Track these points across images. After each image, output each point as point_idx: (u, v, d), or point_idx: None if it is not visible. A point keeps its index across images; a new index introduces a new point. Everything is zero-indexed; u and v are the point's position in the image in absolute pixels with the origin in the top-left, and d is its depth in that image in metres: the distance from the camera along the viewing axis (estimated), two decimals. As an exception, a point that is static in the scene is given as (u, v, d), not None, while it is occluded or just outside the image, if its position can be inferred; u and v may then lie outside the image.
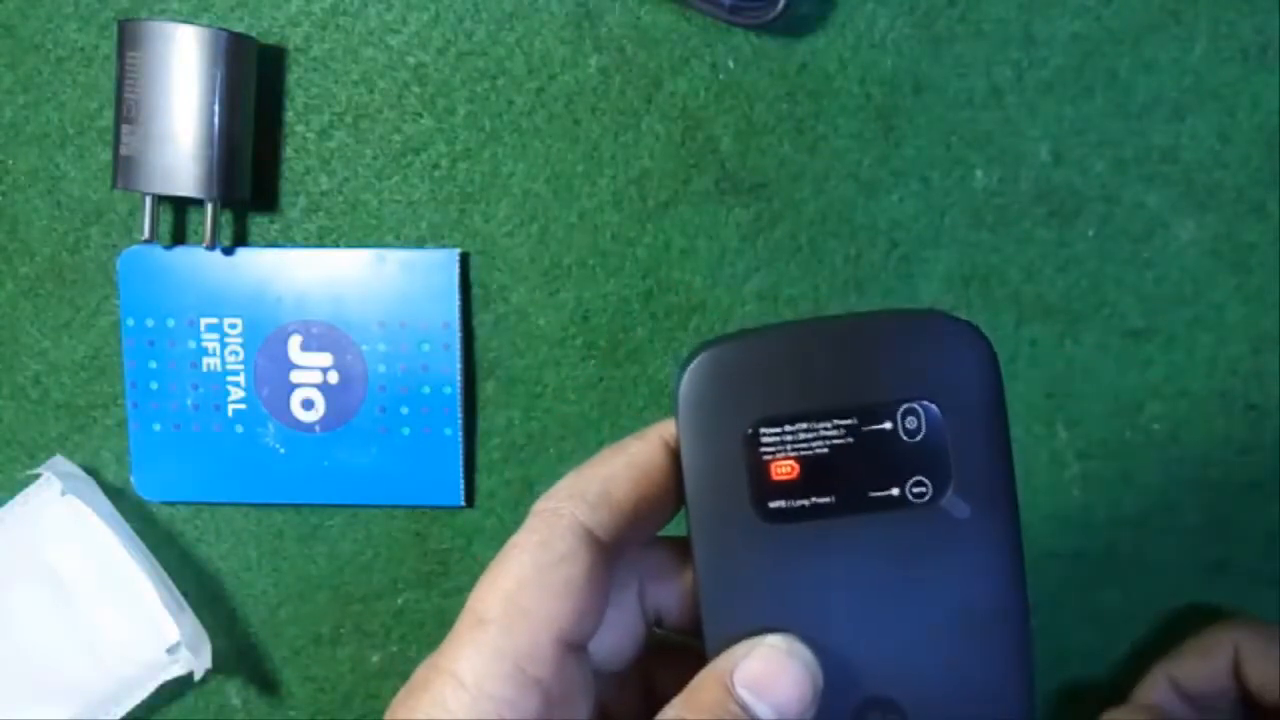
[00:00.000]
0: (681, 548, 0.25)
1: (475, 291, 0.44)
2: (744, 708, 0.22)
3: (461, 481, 0.45)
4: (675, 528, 0.25)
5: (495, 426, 0.45)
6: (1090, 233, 0.43)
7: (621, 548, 0.24)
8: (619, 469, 0.24)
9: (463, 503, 0.45)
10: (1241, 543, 0.44)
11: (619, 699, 0.26)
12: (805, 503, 0.23)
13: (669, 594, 0.26)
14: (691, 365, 0.24)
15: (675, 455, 0.24)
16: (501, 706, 0.21)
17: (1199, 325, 0.43)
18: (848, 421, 0.23)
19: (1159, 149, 0.43)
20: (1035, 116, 0.43)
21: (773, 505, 0.23)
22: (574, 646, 0.23)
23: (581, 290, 0.44)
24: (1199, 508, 0.44)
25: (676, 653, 0.27)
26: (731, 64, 0.43)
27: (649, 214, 0.44)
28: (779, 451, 0.23)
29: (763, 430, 0.23)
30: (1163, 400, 0.44)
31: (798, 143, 0.43)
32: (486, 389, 0.45)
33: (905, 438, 0.23)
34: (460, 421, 0.44)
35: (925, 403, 0.23)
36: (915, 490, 0.23)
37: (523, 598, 0.22)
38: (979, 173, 0.43)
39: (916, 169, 0.43)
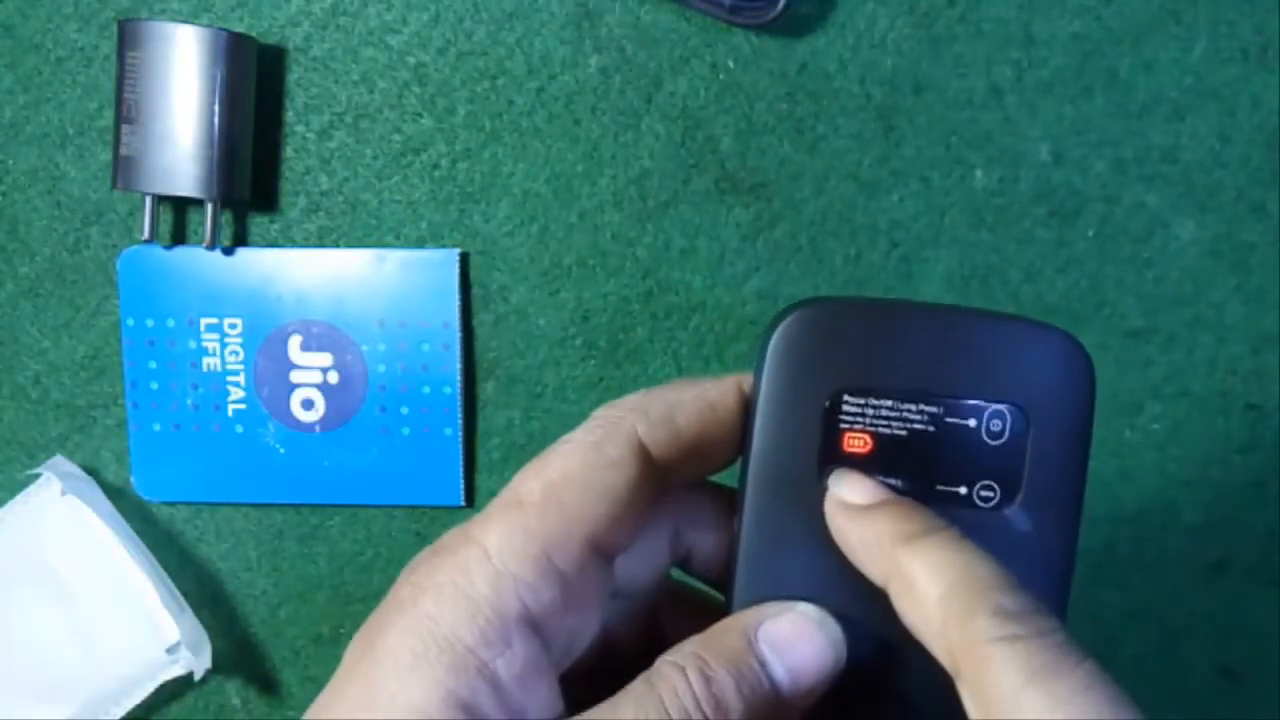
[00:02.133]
0: (727, 497, 0.25)
1: (475, 291, 0.44)
2: (762, 663, 0.22)
3: (461, 481, 0.45)
4: (725, 479, 0.25)
5: (495, 426, 0.45)
6: (1090, 233, 0.43)
7: (670, 477, 0.24)
8: (689, 399, 0.24)
9: (463, 503, 0.45)
10: (1241, 543, 0.44)
11: (622, 628, 0.26)
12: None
13: (703, 538, 0.26)
14: (790, 317, 0.23)
15: (746, 405, 0.24)
16: (521, 588, 0.21)
17: (1199, 325, 0.43)
18: (933, 409, 0.23)
19: (1159, 149, 0.43)
20: (1035, 116, 0.43)
21: None
22: (602, 554, 0.23)
23: (581, 290, 0.44)
24: (1199, 508, 0.44)
25: (689, 601, 0.27)
26: (731, 64, 0.43)
27: (649, 214, 0.44)
28: (857, 423, 0.23)
29: (846, 398, 0.23)
30: (1163, 400, 0.44)
31: (798, 143, 0.43)
32: (486, 389, 0.45)
33: (987, 439, 0.23)
34: (460, 421, 0.44)
35: (1015, 409, 0.23)
36: (983, 494, 0.23)
37: (564, 490, 0.22)
38: (979, 173, 0.43)
39: (916, 169, 0.43)
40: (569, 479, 0.22)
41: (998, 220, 0.43)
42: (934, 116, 0.43)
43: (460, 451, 0.44)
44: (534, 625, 0.21)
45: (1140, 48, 0.42)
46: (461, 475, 0.45)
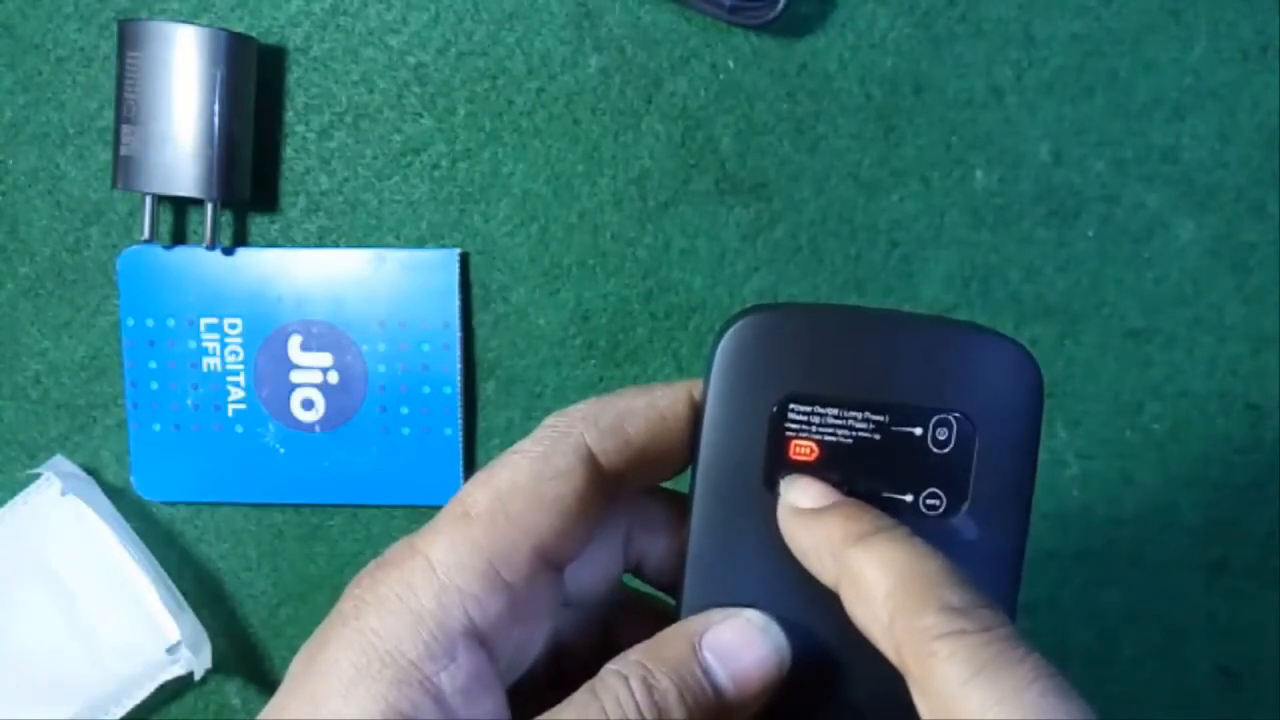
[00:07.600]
0: (679, 504, 0.25)
1: (475, 291, 0.44)
2: (705, 670, 0.22)
3: (461, 482, 0.45)
4: (678, 485, 0.25)
5: (495, 426, 0.45)
6: (1090, 233, 0.43)
7: (620, 485, 0.24)
8: (639, 407, 0.24)
9: (463, 503, 0.45)
10: (1241, 543, 0.44)
11: (576, 636, 0.26)
12: None
13: (655, 546, 0.26)
14: (737, 324, 0.23)
15: (696, 413, 0.24)
16: (467, 600, 0.21)
17: (1199, 325, 0.43)
18: (879, 417, 0.23)
19: (1159, 149, 0.43)
20: (1035, 116, 0.43)
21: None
22: (551, 564, 0.23)
23: (581, 290, 0.44)
24: (1199, 508, 0.44)
25: (643, 609, 0.27)
26: (731, 64, 0.43)
27: (649, 214, 0.44)
28: (803, 431, 0.23)
29: (792, 406, 0.23)
30: (1163, 400, 0.44)
31: (798, 143, 0.43)
32: (486, 389, 0.45)
33: (933, 447, 0.23)
34: (460, 421, 0.44)
35: (962, 417, 0.23)
36: (929, 502, 0.23)
37: (512, 501, 0.22)
38: (979, 173, 0.43)
39: (916, 169, 0.43)
40: (516, 490, 0.22)
41: (998, 220, 0.43)
42: (934, 116, 0.43)
43: (460, 451, 0.44)
44: (480, 638, 0.21)
45: (1140, 48, 0.42)
46: (461, 475, 0.45)
